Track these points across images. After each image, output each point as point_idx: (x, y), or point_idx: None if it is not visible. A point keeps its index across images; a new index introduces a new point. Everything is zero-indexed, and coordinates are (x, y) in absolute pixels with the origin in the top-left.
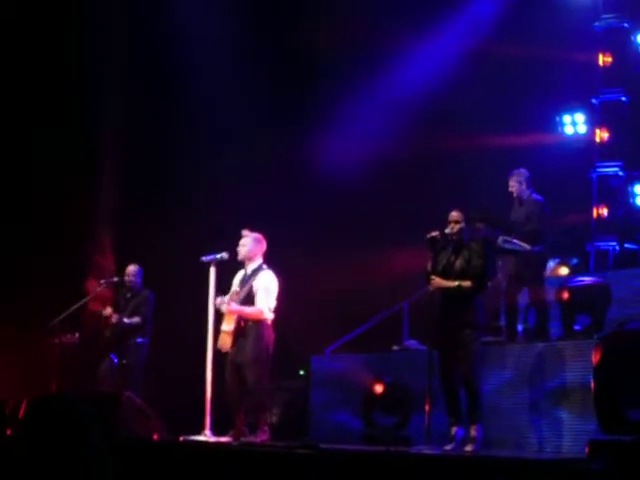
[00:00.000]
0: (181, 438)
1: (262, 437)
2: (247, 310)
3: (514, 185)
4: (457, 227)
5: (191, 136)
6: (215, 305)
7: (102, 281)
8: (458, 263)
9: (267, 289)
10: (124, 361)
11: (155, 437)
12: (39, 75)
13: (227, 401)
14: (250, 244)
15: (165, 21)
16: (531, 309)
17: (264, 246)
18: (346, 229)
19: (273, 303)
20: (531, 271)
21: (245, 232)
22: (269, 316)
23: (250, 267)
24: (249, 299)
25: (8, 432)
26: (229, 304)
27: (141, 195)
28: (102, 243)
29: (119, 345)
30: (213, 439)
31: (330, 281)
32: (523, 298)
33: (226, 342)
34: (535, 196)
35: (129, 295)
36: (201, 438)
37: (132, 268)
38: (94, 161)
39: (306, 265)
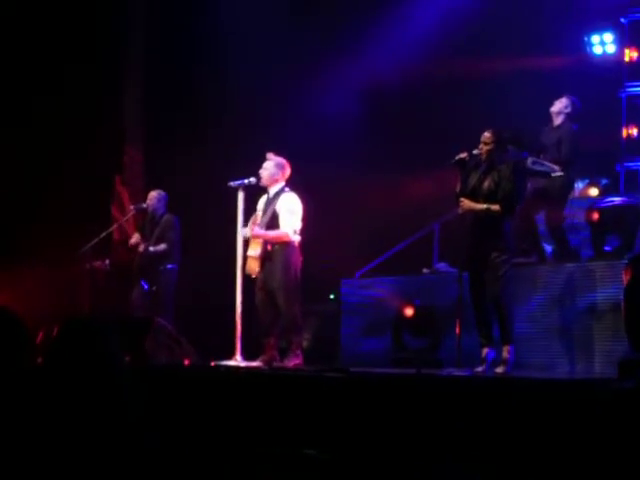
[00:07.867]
0: (212, 363)
1: (295, 361)
2: (271, 234)
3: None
4: (485, 149)
5: (218, 54)
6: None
7: (131, 207)
8: (486, 185)
9: (290, 211)
10: (154, 287)
11: (186, 362)
12: None
13: (258, 326)
14: (272, 168)
15: None
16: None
17: (287, 171)
18: (376, 150)
19: (298, 225)
20: (555, 192)
21: (269, 155)
22: (295, 238)
23: (272, 190)
24: (273, 222)
25: (39, 361)
26: (252, 229)
27: (168, 120)
28: (129, 170)
29: (149, 272)
30: (244, 364)
31: (360, 204)
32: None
33: (254, 267)
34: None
35: (153, 221)
36: (232, 363)
37: (153, 193)
38: (119, 86)
39: (336, 188)
